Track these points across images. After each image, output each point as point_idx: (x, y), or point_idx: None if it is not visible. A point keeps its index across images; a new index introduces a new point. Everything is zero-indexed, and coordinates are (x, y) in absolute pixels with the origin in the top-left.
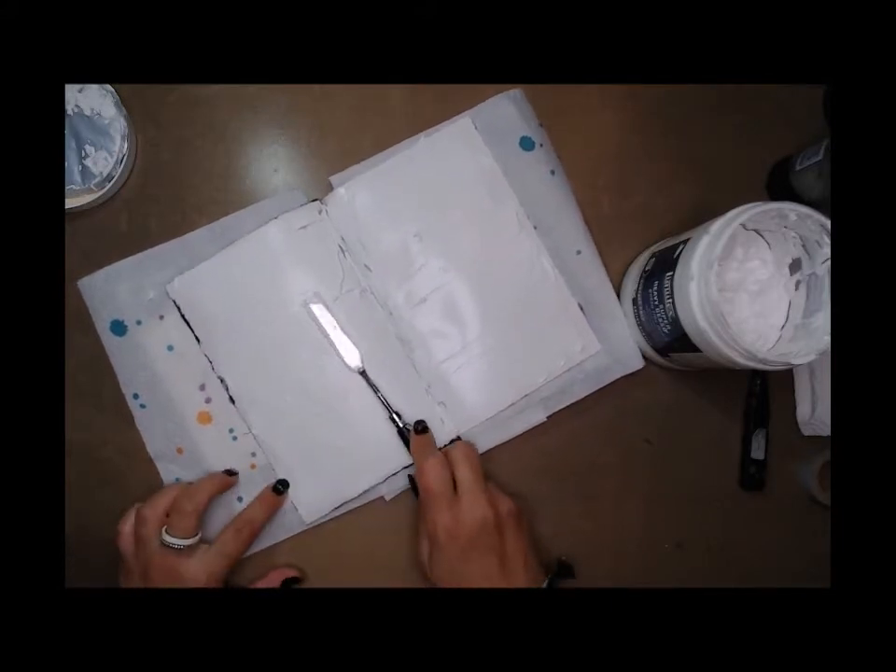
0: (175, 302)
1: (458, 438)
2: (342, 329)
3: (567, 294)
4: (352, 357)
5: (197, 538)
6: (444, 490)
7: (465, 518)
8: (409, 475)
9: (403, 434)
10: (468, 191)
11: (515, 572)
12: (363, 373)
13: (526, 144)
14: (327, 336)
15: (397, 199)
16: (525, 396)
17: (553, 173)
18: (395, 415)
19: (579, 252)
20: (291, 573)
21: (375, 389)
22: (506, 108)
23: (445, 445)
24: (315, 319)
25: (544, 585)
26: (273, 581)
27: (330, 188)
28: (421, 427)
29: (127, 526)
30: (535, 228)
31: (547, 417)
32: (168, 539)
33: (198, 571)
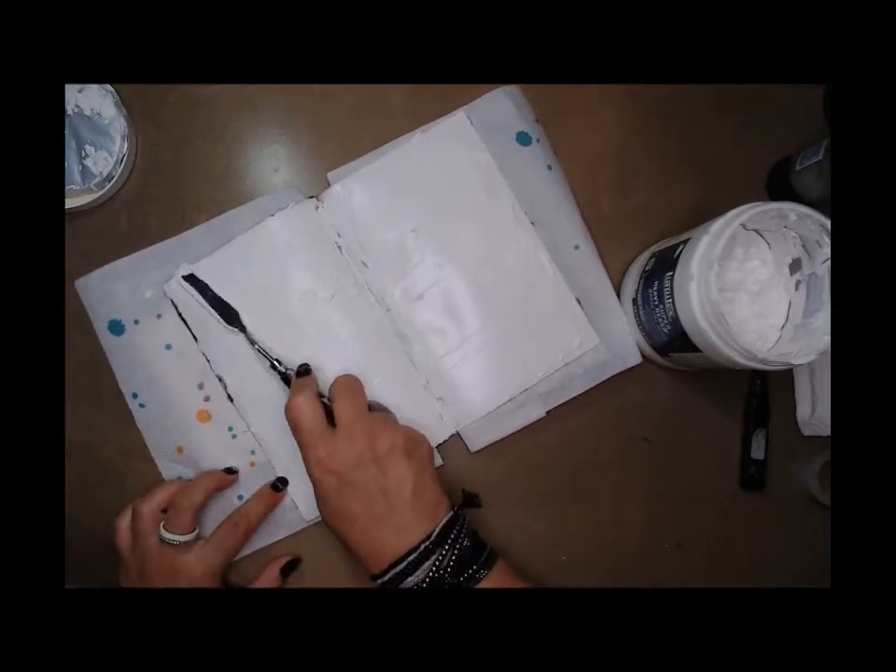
0: (172, 301)
1: (457, 433)
2: (338, 325)
3: (564, 289)
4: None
5: (194, 534)
6: (313, 426)
7: (338, 453)
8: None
9: (287, 380)
10: (464, 187)
11: (402, 506)
12: (243, 330)
13: (523, 139)
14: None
15: (393, 195)
16: (524, 391)
17: (549, 168)
18: (275, 362)
19: (576, 247)
20: (286, 559)
21: (252, 342)
22: (502, 104)
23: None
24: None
25: (447, 517)
26: (270, 574)
27: (328, 186)
28: (304, 370)
29: (124, 522)
30: (532, 223)
31: (546, 412)
32: (165, 534)
33: (194, 566)
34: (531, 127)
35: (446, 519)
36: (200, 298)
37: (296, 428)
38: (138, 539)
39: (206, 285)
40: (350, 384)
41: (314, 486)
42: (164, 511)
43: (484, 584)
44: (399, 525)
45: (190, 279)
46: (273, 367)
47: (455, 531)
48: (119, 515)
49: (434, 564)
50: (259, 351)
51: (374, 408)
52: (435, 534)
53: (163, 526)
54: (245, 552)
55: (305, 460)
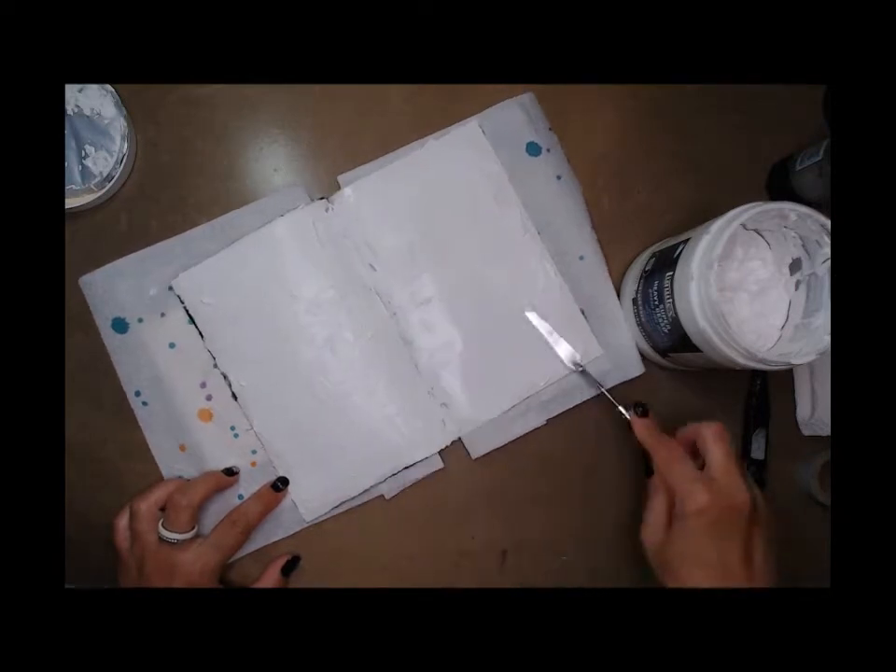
0: (179, 298)
1: (459, 439)
2: (344, 327)
3: (569, 299)
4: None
5: (192, 532)
6: (695, 472)
7: (721, 497)
8: (644, 458)
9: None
10: (474, 195)
11: (758, 566)
12: (582, 371)
13: (533, 149)
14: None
15: (403, 200)
16: (526, 399)
17: (559, 178)
18: (622, 409)
19: (582, 258)
20: (286, 558)
21: (599, 385)
22: (514, 114)
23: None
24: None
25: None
26: (272, 575)
27: (333, 187)
28: (642, 411)
29: (122, 521)
30: (539, 233)
31: (546, 421)
32: (163, 532)
33: (191, 564)
34: (543, 137)
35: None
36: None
37: (669, 464)
38: (136, 537)
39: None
40: (722, 430)
41: (674, 525)
42: (163, 509)
43: None
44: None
45: None
46: (620, 412)
47: None
48: (118, 514)
49: None
50: (605, 393)
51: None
52: None
53: (161, 525)
54: (245, 551)
55: (680, 499)
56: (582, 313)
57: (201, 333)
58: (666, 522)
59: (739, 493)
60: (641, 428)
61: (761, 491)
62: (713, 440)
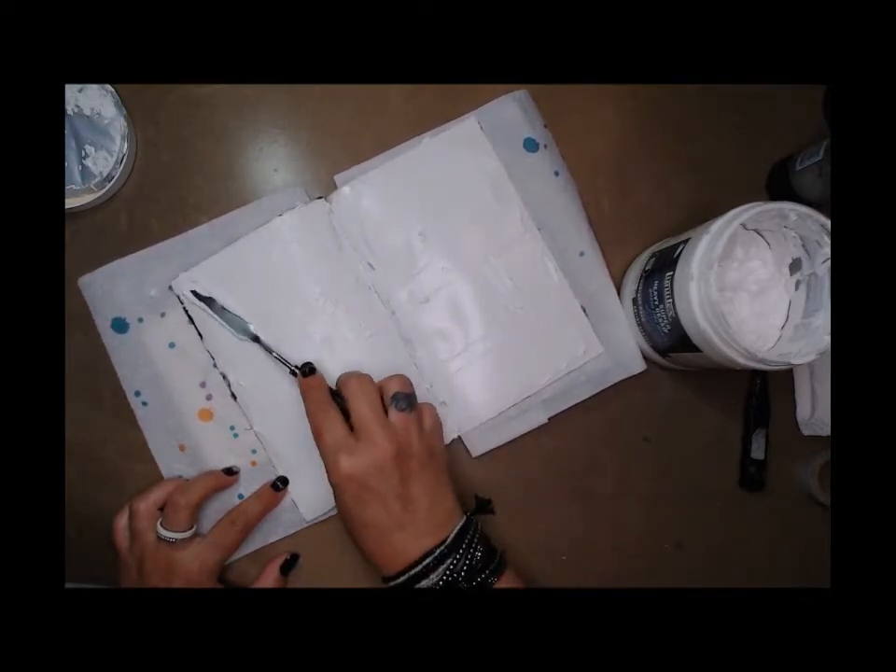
0: (178, 298)
1: (459, 437)
2: (344, 327)
3: (570, 296)
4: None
5: (191, 531)
6: (335, 432)
7: (360, 460)
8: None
9: None
10: (472, 192)
11: (420, 516)
12: (256, 339)
13: (530, 145)
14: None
15: (401, 198)
16: (527, 397)
17: (557, 174)
18: (294, 369)
19: (582, 254)
20: (284, 556)
21: (269, 350)
22: (511, 109)
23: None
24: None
25: (460, 524)
26: (270, 573)
27: (332, 187)
28: (308, 369)
29: (122, 521)
30: (539, 229)
31: (548, 419)
32: (162, 532)
33: (190, 562)
34: (539, 132)
35: (460, 525)
36: (209, 311)
37: (318, 434)
38: (136, 536)
39: (212, 298)
40: (364, 384)
41: (333, 490)
42: (162, 508)
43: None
44: (415, 533)
45: (196, 295)
46: (294, 373)
47: (468, 537)
48: (117, 514)
49: (448, 568)
50: (277, 358)
51: (392, 400)
52: (450, 539)
53: (160, 524)
54: (244, 551)
55: (325, 465)
56: (583, 310)
57: (200, 333)
58: None
59: (382, 445)
60: (303, 387)
61: (421, 436)
62: (354, 397)
